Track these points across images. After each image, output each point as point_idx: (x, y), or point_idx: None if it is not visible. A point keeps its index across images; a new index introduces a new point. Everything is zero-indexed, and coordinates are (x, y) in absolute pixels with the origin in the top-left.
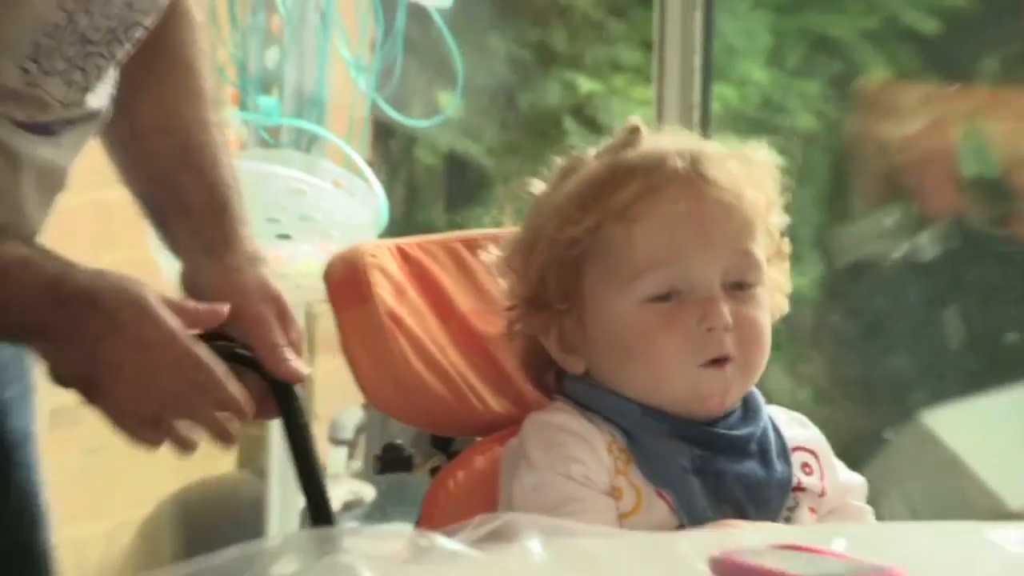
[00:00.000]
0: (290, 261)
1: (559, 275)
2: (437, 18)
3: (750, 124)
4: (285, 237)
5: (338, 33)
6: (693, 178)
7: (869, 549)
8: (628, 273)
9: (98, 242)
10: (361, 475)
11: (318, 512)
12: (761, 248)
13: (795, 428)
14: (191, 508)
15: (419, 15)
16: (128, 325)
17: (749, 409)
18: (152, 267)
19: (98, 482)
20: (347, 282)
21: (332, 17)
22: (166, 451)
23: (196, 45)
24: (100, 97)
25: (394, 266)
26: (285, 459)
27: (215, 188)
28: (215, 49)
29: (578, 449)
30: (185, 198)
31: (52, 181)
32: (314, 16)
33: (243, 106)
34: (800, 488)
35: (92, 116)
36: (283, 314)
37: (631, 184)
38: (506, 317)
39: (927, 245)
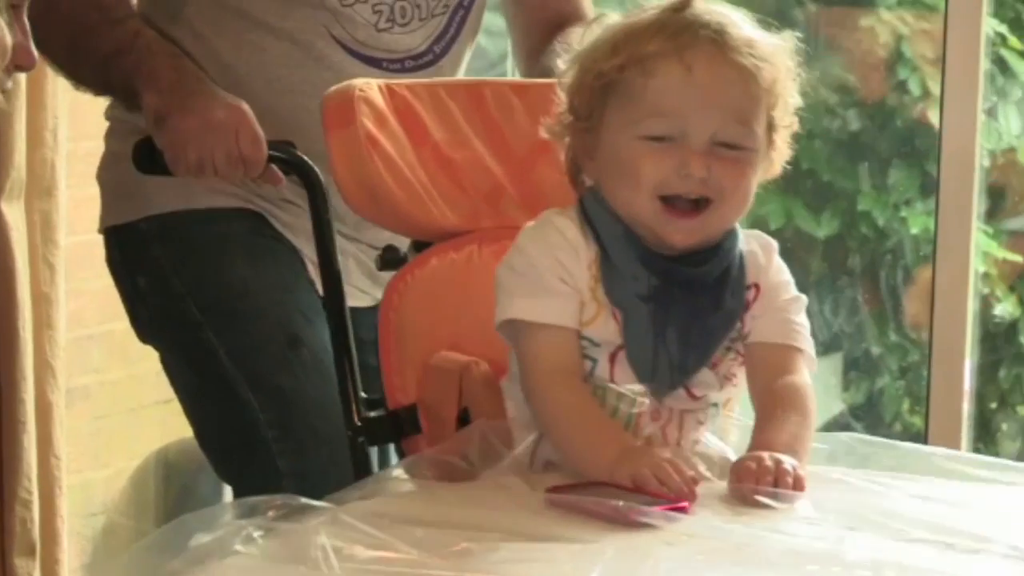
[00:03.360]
0: None
1: (586, 98)
2: None
3: None
4: None
5: None
6: (713, 49)
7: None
8: (636, 115)
9: None
10: None
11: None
12: (762, 120)
13: (758, 263)
14: (170, 460)
15: None
16: (216, 103)
17: (721, 249)
18: None
19: (102, 440)
20: (337, 109)
21: None
22: (152, 417)
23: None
24: (416, 39)
25: (380, 99)
26: None
27: None
28: None
29: (565, 254)
30: None
31: None
32: None
33: None
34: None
35: (415, 59)
36: None
37: (657, 41)
38: (552, 125)
39: None
